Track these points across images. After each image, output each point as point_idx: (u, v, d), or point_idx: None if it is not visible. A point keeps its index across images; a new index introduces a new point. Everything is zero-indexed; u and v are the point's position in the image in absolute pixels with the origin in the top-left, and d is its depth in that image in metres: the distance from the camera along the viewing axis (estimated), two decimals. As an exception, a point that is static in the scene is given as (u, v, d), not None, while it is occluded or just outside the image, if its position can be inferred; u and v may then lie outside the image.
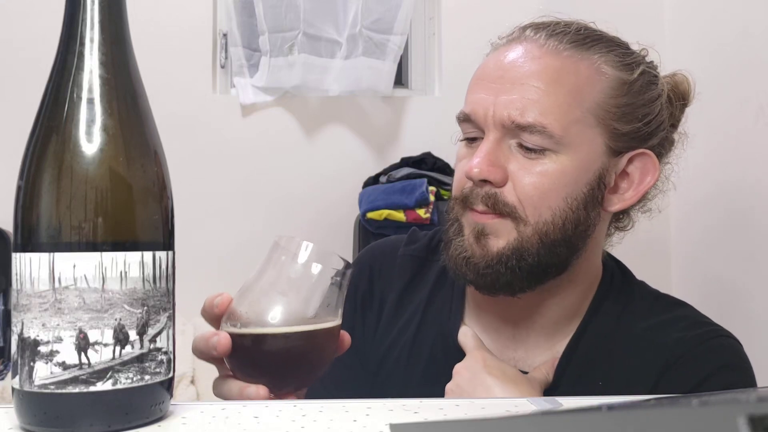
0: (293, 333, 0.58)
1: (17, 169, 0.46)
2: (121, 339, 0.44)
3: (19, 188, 0.46)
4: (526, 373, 0.75)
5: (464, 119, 0.76)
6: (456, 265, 0.75)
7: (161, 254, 0.47)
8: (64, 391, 0.43)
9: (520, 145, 0.72)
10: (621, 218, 0.82)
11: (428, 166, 2.12)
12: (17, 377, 0.44)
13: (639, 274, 0.86)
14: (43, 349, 0.43)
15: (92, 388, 0.43)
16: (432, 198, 1.99)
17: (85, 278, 0.43)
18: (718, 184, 1.91)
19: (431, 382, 0.74)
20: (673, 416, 0.22)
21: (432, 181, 2.03)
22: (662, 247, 2.21)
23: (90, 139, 0.45)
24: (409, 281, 0.88)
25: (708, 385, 0.73)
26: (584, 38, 0.75)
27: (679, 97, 0.80)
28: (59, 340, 0.43)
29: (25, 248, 0.44)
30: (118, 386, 0.44)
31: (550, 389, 0.75)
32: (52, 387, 0.43)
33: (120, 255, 0.44)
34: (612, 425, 0.25)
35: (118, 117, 0.46)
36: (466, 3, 2.31)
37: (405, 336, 0.84)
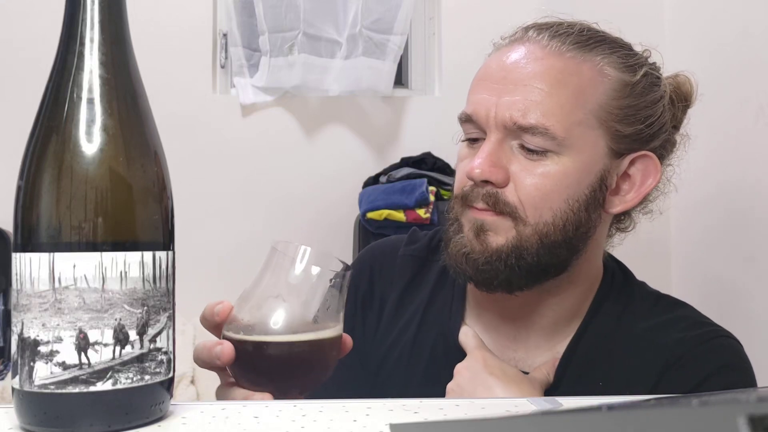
0: (297, 338, 0.58)
1: (17, 169, 0.46)
2: (121, 339, 0.44)
3: (19, 188, 0.46)
4: (526, 373, 0.75)
5: (466, 120, 0.76)
6: (455, 262, 0.75)
7: (161, 254, 0.47)
8: (64, 391, 0.43)
9: (522, 147, 0.72)
10: (622, 219, 0.82)
11: (428, 166, 2.12)
12: (17, 377, 0.44)
13: (639, 274, 0.86)
14: (43, 349, 0.43)
15: (92, 388, 0.43)
16: (432, 198, 1.99)
17: (85, 278, 0.43)
18: (718, 184, 1.91)
19: (432, 382, 0.75)
20: (673, 416, 0.22)
21: (432, 181, 2.03)
22: (662, 247, 2.21)
23: (90, 139, 0.45)
24: (409, 281, 0.88)
25: (708, 385, 0.73)
26: (587, 39, 0.75)
27: (681, 99, 0.80)
28: (59, 340, 0.43)
29: (25, 248, 0.44)
30: (118, 386, 0.44)
31: (551, 389, 0.75)
32: (52, 387, 0.43)
33: (120, 255, 0.44)
34: (612, 425, 0.25)
35: (118, 117, 0.46)
36: (466, 3, 2.31)
37: (405, 336, 0.84)
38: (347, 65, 2.24)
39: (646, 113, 0.75)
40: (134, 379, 0.45)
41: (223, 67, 2.30)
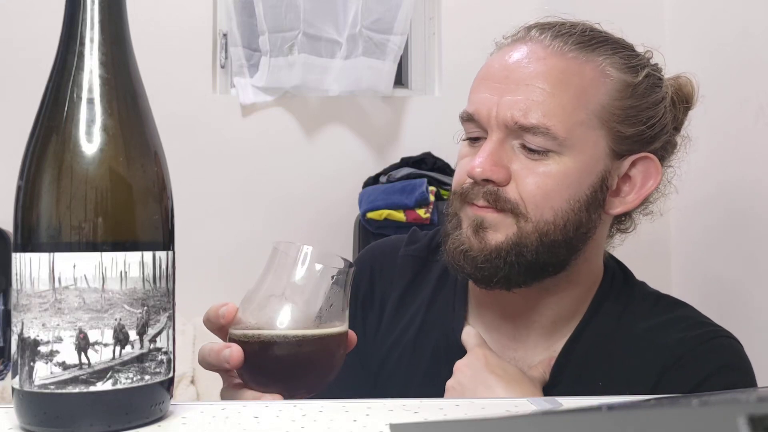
0: (304, 337, 0.58)
1: (17, 169, 0.46)
2: (121, 339, 0.44)
3: (19, 188, 0.46)
4: None
5: (467, 119, 0.76)
6: (453, 259, 0.76)
7: (161, 254, 0.47)
8: (64, 391, 0.43)
9: (523, 146, 0.72)
10: (623, 220, 0.82)
11: (428, 166, 2.12)
12: (17, 377, 0.44)
13: (639, 274, 0.86)
14: (43, 349, 0.43)
15: (92, 388, 0.43)
16: (432, 198, 1.99)
17: (85, 278, 0.43)
18: (718, 185, 1.91)
19: (434, 382, 0.75)
20: (673, 416, 0.22)
21: (432, 181, 2.03)
22: (662, 247, 2.21)
23: (90, 139, 0.45)
24: (410, 281, 0.88)
25: (708, 385, 0.73)
26: (589, 40, 0.75)
27: (682, 100, 0.80)
28: (59, 340, 0.43)
29: (25, 248, 0.44)
30: (118, 386, 0.44)
31: (548, 388, 0.75)
32: (52, 387, 0.43)
33: (120, 255, 0.44)
34: (612, 425, 0.25)
35: (118, 117, 0.46)
36: (466, 3, 2.31)
37: (407, 336, 0.85)
38: (347, 65, 2.24)
39: (647, 114, 0.75)
40: (134, 379, 0.45)
41: (223, 67, 2.30)
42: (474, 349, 0.74)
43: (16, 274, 0.45)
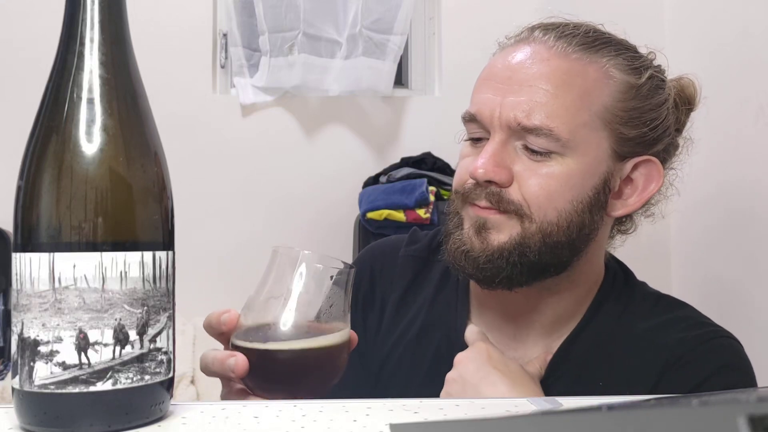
0: (308, 342, 0.58)
1: (17, 169, 0.46)
2: (121, 339, 0.44)
3: (19, 188, 0.46)
4: None
5: (470, 119, 0.76)
6: (455, 259, 0.75)
7: (161, 254, 0.47)
8: (64, 391, 0.43)
9: (526, 147, 0.72)
10: (624, 221, 0.82)
11: (428, 166, 2.12)
12: (17, 377, 0.44)
13: (639, 275, 0.86)
14: (43, 349, 0.43)
15: (92, 388, 0.43)
16: (432, 198, 1.99)
17: (85, 278, 0.43)
18: (718, 185, 1.91)
19: (435, 382, 0.75)
20: (673, 416, 0.22)
21: (432, 181, 2.03)
22: (662, 248, 2.21)
23: (90, 139, 0.45)
24: (411, 281, 0.88)
25: (708, 385, 0.73)
26: (593, 41, 0.75)
27: (684, 102, 0.80)
28: (59, 340, 0.43)
29: (25, 248, 0.44)
30: (118, 386, 0.44)
31: (546, 386, 0.75)
32: (52, 387, 0.43)
33: (120, 255, 0.44)
34: (612, 425, 0.25)
35: (118, 117, 0.46)
36: (466, 3, 2.31)
37: (408, 336, 0.85)
38: (347, 65, 2.24)
39: (650, 116, 0.75)
40: (134, 379, 0.45)
41: (223, 67, 2.30)
42: (477, 343, 0.74)
43: (16, 274, 0.45)
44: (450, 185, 2.02)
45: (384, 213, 1.96)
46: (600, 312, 0.80)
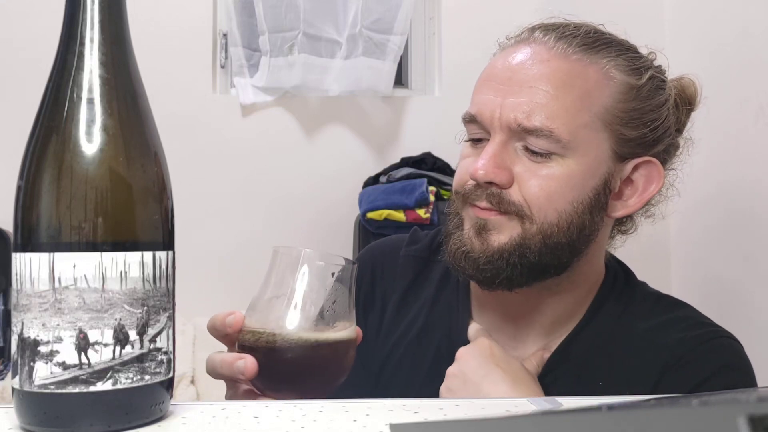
0: (318, 341, 0.58)
1: (17, 169, 0.46)
2: (121, 339, 0.44)
3: (19, 188, 0.46)
4: None
5: (470, 120, 0.76)
6: (455, 260, 0.75)
7: (161, 254, 0.47)
8: (64, 391, 0.43)
9: (526, 148, 0.72)
10: (624, 221, 0.82)
11: (428, 166, 2.12)
12: (17, 377, 0.44)
13: (639, 275, 0.86)
14: (43, 349, 0.43)
15: (92, 388, 0.43)
16: (432, 198, 1.99)
17: (85, 278, 0.43)
18: (718, 185, 1.91)
19: (436, 382, 0.74)
20: (673, 416, 0.22)
21: (432, 181, 2.03)
22: (662, 248, 2.21)
23: (90, 139, 0.45)
24: (411, 281, 0.88)
25: (708, 385, 0.73)
26: (593, 42, 0.75)
27: (685, 102, 0.80)
28: (59, 340, 0.43)
29: (25, 248, 0.44)
30: (118, 386, 0.44)
31: (544, 385, 0.75)
32: (52, 387, 0.43)
33: (120, 255, 0.44)
34: (612, 425, 0.25)
35: (118, 117, 0.46)
36: (466, 3, 2.31)
37: (409, 336, 0.84)
38: (347, 65, 2.24)
39: (650, 117, 0.75)
40: (134, 379, 0.45)
41: (223, 67, 2.30)
42: (480, 339, 0.74)
43: (16, 274, 0.45)
44: (450, 185, 2.03)
45: (384, 213, 1.96)
46: (600, 312, 0.80)
